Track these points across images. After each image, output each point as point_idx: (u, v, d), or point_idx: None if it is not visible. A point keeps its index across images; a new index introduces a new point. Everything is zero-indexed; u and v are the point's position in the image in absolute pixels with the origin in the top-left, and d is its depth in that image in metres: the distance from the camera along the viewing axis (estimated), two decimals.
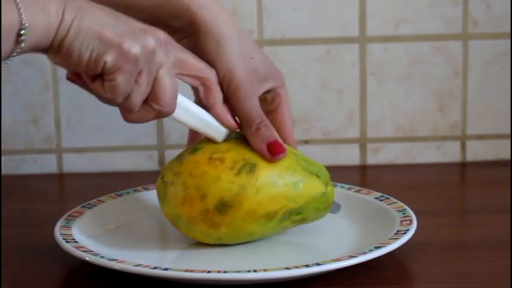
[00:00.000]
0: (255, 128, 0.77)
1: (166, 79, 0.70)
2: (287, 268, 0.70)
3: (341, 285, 0.73)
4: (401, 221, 0.80)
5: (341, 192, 0.88)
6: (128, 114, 0.71)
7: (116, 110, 1.12)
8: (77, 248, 0.75)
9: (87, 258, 0.73)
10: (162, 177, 0.77)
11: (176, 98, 0.72)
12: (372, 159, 1.13)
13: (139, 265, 0.71)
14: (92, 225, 0.82)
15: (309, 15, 1.10)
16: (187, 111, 0.75)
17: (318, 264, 0.71)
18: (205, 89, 0.75)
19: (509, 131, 1.12)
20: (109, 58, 0.66)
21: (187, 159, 0.76)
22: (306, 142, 1.12)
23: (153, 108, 0.70)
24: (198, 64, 0.75)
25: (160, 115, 0.71)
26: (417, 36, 1.11)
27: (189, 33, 0.79)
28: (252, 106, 0.78)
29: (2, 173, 1.11)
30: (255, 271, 0.70)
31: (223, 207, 0.75)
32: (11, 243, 0.83)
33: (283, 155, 0.76)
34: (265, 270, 0.70)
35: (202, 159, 0.75)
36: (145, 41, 0.67)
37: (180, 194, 0.75)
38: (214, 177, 0.75)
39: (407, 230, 0.77)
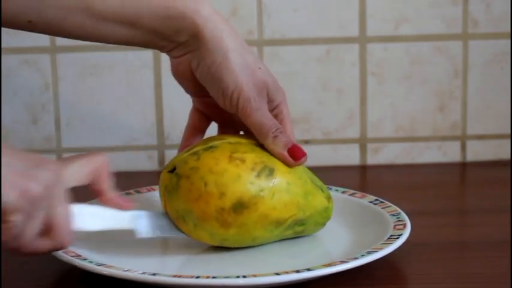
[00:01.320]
0: (272, 136, 0.76)
1: (60, 214, 0.66)
2: (277, 273, 0.70)
3: (340, 286, 0.73)
4: (395, 225, 0.79)
5: (335, 196, 0.88)
6: (18, 252, 0.66)
7: (115, 110, 1.12)
8: (65, 252, 0.74)
9: (76, 264, 0.73)
10: (171, 171, 0.76)
11: (71, 228, 0.68)
12: (372, 159, 1.13)
13: (127, 270, 0.70)
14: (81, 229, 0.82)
15: (309, 15, 1.10)
16: (91, 220, 0.72)
17: (308, 269, 0.70)
18: (98, 175, 0.72)
19: (509, 131, 1.12)
20: (8, 199, 0.61)
21: (205, 155, 0.75)
22: (306, 142, 1.12)
23: (49, 241, 0.66)
24: (84, 161, 0.72)
25: (58, 247, 0.67)
26: (417, 36, 1.10)
27: (193, 48, 0.79)
28: (265, 116, 0.77)
29: None
30: (244, 277, 0.70)
31: (240, 207, 0.74)
32: None
33: (305, 158, 0.77)
34: (254, 275, 0.70)
35: (222, 157, 0.75)
36: (40, 178, 0.63)
37: (196, 189, 0.74)
38: (235, 176, 0.74)
39: (401, 234, 0.77)
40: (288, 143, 0.76)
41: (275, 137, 0.76)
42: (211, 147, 0.76)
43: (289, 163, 0.76)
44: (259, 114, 0.77)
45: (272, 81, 0.80)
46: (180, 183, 0.75)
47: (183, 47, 0.79)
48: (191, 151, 0.77)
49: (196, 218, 0.75)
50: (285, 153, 0.76)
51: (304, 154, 0.77)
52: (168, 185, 0.76)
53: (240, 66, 0.78)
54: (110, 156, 0.75)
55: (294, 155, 0.76)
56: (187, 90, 0.83)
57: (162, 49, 0.80)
